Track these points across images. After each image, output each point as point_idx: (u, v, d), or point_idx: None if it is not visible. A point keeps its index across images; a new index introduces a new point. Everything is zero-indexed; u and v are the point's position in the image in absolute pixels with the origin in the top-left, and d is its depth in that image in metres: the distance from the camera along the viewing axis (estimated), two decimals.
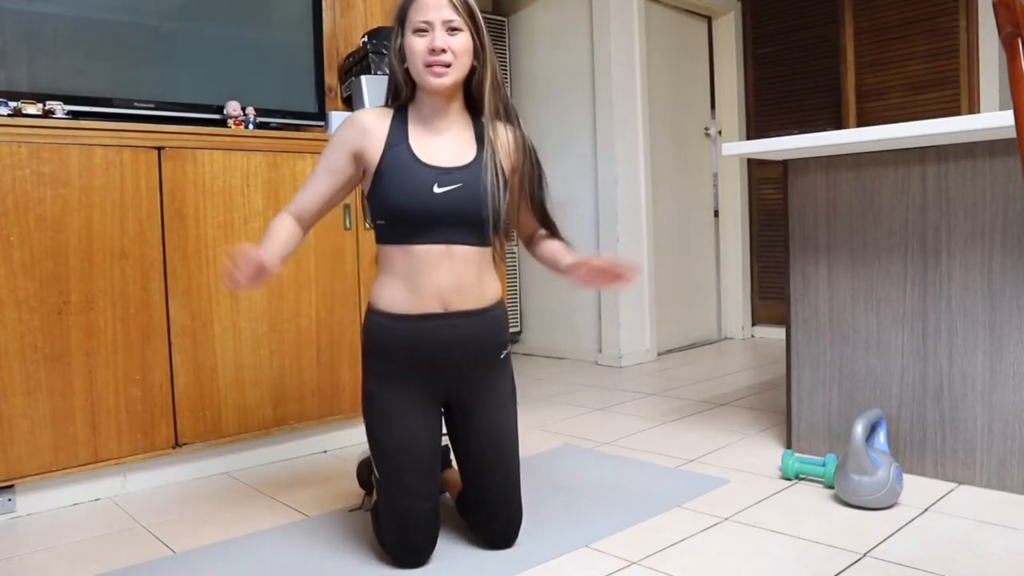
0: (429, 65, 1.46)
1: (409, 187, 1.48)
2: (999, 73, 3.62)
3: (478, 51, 1.52)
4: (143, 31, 2.20)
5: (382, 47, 2.56)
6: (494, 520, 1.59)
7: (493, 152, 1.54)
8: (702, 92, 4.55)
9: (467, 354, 1.54)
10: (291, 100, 2.50)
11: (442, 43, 1.45)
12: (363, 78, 2.53)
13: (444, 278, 1.51)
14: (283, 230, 1.54)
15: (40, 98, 1.99)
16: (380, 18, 2.84)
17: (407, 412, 1.52)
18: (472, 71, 1.53)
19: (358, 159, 1.55)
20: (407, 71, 1.53)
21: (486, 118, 1.55)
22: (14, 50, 1.99)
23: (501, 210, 1.55)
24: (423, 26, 1.46)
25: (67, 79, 2.07)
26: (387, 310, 1.53)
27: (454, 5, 1.47)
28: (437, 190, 1.49)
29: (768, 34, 4.46)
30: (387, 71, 1.61)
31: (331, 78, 2.72)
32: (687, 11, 4.43)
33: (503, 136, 1.59)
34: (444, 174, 1.50)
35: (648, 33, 4.11)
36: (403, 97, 1.57)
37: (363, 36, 2.65)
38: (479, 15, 1.52)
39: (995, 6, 0.87)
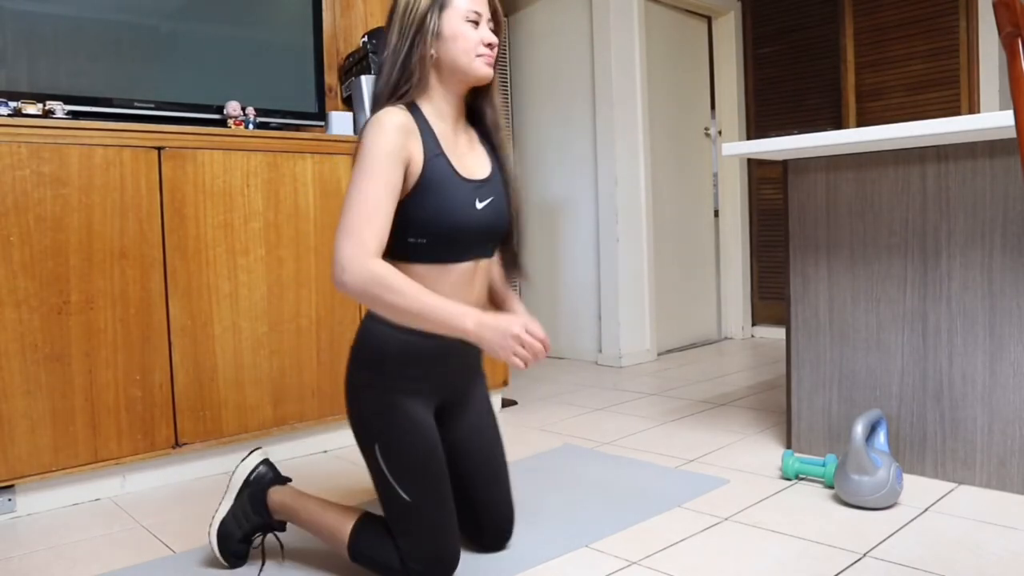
0: (482, 55, 1.44)
1: (457, 205, 1.41)
2: (999, 73, 3.62)
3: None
4: (143, 31, 2.20)
5: (382, 47, 2.56)
6: (490, 520, 1.58)
7: (506, 159, 1.53)
8: (702, 92, 4.55)
9: (466, 362, 1.56)
10: (291, 100, 2.50)
11: (495, 39, 1.46)
12: (363, 78, 2.53)
13: (472, 293, 1.49)
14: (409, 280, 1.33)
15: (40, 98, 1.99)
16: (380, 18, 2.84)
17: (426, 422, 1.47)
18: None
19: (407, 167, 1.39)
20: (429, 57, 1.43)
21: (491, 123, 1.54)
22: (14, 50, 1.99)
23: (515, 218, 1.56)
24: (475, 17, 1.44)
25: (67, 79, 2.07)
26: (403, 327, 1.38)
27: (496, 8, 1.49)
28: (479, 205, 1.45)
29: (768, 34, 4.46)
30: (393, 55, 1.44)
31: (331, 78, 2.72)
32: (687, 11, 4.43)
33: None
34: (480, 188, 1.47)
35: (648, 33, 4.11)
36: (412, 84, 1.43)
37: (363, 36, 2.65)
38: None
39: (995, 6, 0.87)
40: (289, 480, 1.61)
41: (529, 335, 1.28)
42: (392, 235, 1.39)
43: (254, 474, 1.57)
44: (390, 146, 1.35)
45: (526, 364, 1.29)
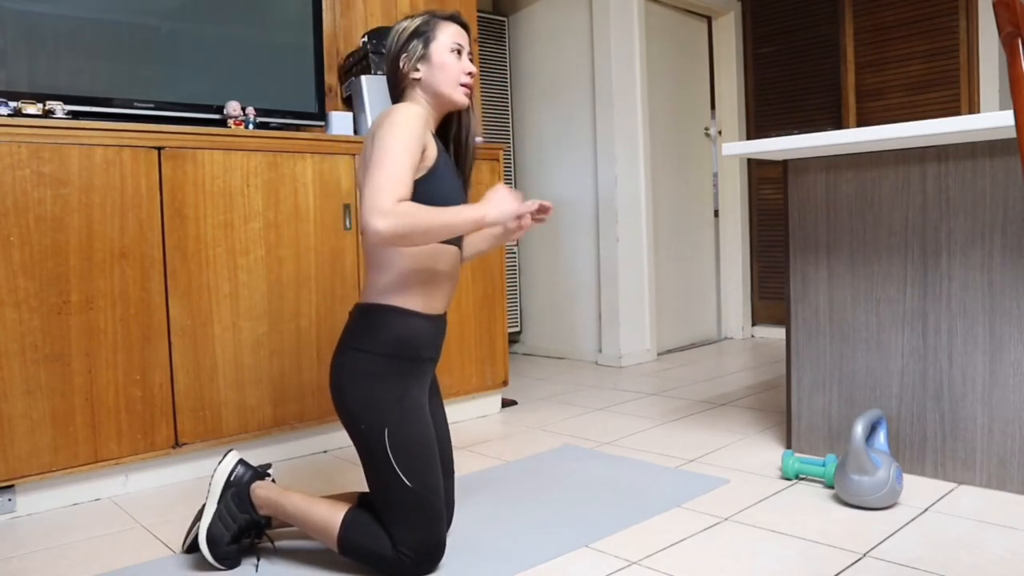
0: (464, 84, 1.59)
1: (456, 195, 1.56)
2: (999, 73, 3.62)
3: None
4: (143, 31, 2.20)
5: (382, 47, 2.56)
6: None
7: (467, 186, 1.70)
8: (702, 92, 4.55)
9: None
10: (291, 100, 2.50)
11: (475, 69, 1.61)
12: (363, 78, 2.53)
13: (454, 276, 1.61)
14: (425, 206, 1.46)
15: (40, 98, 1.99)
16: (380, 18, 2.84)
17: (427, 409, 1.56)
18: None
19: (424, 151, 1.50)
20: (409, 75, 1.58)
21: (469, 141, 1.69)
22: (14, 50, 1.99)
23: None
24: (458, 47, 1.59)
25: (67, 79, 2.07)
26: (419, 310, 1.53)
27: (471, 40, 1.64)
28: (464, 199, 1.61)
29: (768, 34, 4.46)
30: (391, 71, 1.60)
31: (331, 78, 2.72)
32: (687, 11, 4.43)
33: None
34: (460, 184, 1.64)
35: (648, 33, 4.10)
36: (398, 88, 1.61)
37: (363, 36, 2.65)
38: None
39: (995, 6, 0.88)
40: (268, 471, 1.65)
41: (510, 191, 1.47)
42: None
43: (233, 474, 1.60)
44: (417, 129, 1.46)
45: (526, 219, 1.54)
